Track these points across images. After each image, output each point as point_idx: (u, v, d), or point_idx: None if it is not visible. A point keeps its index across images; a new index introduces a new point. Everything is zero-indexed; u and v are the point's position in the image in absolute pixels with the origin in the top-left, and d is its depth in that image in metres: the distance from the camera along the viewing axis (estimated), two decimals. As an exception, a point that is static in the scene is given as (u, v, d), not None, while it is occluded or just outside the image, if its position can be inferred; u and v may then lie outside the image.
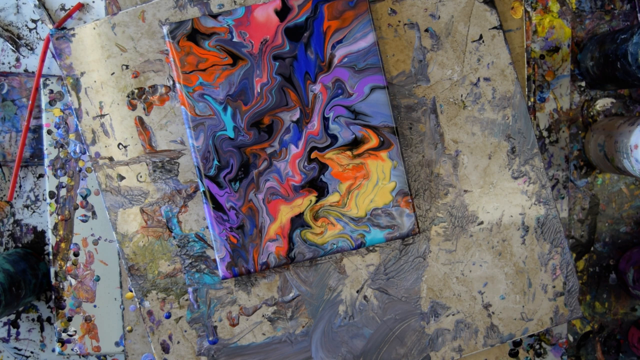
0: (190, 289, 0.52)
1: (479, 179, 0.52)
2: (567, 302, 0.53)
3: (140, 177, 0.51)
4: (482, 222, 0.53)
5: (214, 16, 0.49)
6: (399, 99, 0.52)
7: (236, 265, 0.50)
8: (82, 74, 0.51)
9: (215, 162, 0.50)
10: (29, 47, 0.55)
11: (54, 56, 0.55)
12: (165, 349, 0.52)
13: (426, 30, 0.52)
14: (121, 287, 0.54)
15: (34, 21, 0.56)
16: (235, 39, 0.49)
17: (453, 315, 0.53)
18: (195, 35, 0.49)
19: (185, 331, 0.52)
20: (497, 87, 0.52)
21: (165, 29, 0.49)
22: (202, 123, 0.50)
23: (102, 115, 0.51)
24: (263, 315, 0.52)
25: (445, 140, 0.52)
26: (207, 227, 0.52)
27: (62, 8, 0.55)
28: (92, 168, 0.51)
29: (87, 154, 0.51)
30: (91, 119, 0.51)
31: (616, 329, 0.59)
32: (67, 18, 0.54)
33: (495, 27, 0.52)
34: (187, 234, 0.52)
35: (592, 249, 0.58)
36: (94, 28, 0.51)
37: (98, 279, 0.56)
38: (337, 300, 0.53)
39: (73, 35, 0.51)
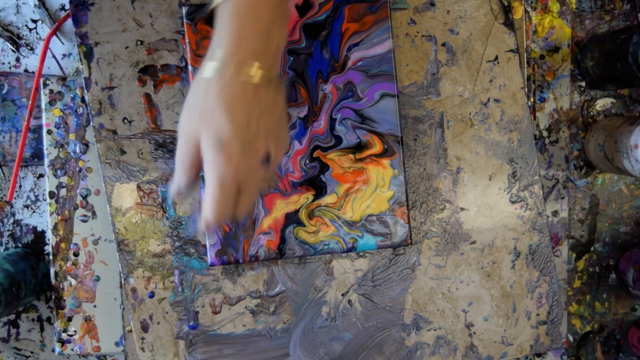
0: (176, 272, 0.52)
1: (477, 198, 0.52)
2: (549, 331, 0.53)
3: (141, 153, 0.51)
4: (474, 242, 0.53)
5: (235, 3, 0.49)
6: (407, 109, 0.52)
7: (225, 254, 0.50)
8: (96, 44, 0.51)
9: (218, 148, 0.49)
10: (29, 47, 0.55)
11: (53, 56, 0.55)
12: (145, 328, 0.52)
13: (443, 45, 0.52)
14: (121, 287, 0.54)
15: (34, 21, 0.55)
16: (253, 29, 0.49)
17: (434, 330, 0.53)
18: (214, 20, 0.49)
19: (167, 313, 0.52)
20: (506, 109, 0.52)
21: (184, 10, 0.49)
22: (209, 108, 0.49)
23: (110, 88, 0.51)
24: (246, 307, 0.52)
25: (448, 155, 0.52)
26: (201, 212, 0.51)
27: (62, 8, 0.55)
28: (94, 138, 0.51)
29: (92, 124, 0.51)
30: (99, 90, 0.51)
31: (616, 329, 0.58)
32: (66, 19, 0.55)
33: (511, 50, 0.52)
34: (181, 216, 0.52)
35: (592, 249, 0.58)
36: (114, 0, 0.51)
37: (98, 279, 0.56)
38: (322, 301, 0.52)
39: (92, 4, 0.50)
